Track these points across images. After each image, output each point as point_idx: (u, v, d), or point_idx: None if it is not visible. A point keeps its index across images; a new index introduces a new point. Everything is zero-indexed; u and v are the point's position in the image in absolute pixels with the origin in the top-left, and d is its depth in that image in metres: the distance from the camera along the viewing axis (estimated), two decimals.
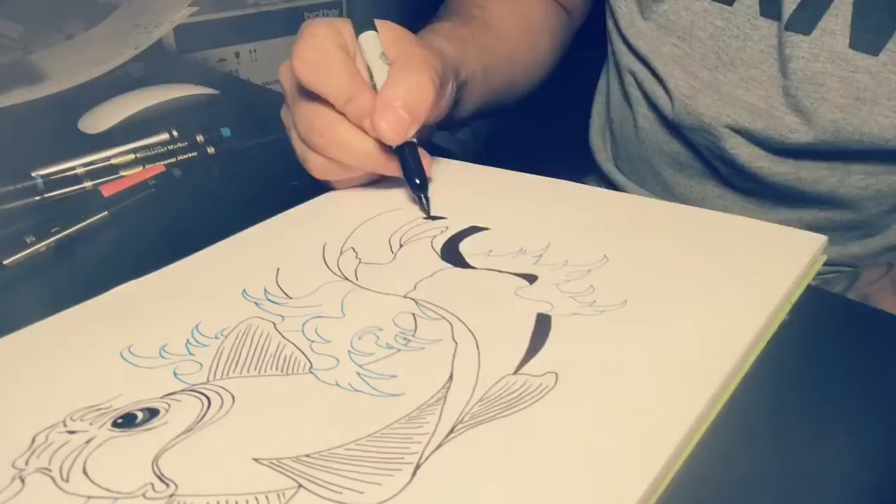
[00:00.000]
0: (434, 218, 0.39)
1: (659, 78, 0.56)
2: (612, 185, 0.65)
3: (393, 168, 0.40)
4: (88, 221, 0.42)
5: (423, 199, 0.40)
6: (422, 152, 0.40)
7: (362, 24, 0.42)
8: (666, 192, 0.60)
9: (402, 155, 0.40)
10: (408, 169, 0.40)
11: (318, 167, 0.41)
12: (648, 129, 0.59)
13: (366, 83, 0.40)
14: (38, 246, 0.39)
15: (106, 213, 0.43)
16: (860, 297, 0.45)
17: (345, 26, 0.42)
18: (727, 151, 0.52)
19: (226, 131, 0.53)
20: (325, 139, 0.40)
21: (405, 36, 0.43)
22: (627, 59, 0.58)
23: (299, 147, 0.42)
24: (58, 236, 0.40)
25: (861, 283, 0.46)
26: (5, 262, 0.38)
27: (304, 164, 0.42)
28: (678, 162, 0.58)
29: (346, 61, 0.39)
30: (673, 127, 0.56)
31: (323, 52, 0.39)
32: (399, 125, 0.38)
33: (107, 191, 0.47)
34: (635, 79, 0.58)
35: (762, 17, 0.50)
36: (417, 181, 0.39)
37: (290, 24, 0.70)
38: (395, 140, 0.39)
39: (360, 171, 0.41)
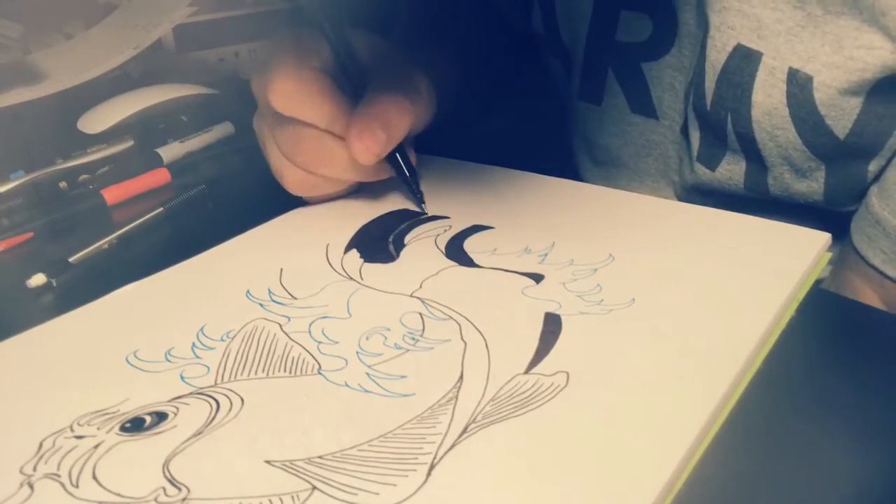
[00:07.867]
0: (437, 217, 0.39)
1: None
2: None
3: (384, 172, 0.40)
4: (145, 217, 0.43)
5: (419, 200, 0.40)
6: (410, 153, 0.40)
7: (337, 35, 0.39)
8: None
9: (394, 160, 0.39)
10: (401, 173, 0.40)
11: (296, 182, 0.40)
12: None
13: (346, 101, 0.38)
14: (101, 243, 0.41)
15: (161, 209, 0.44)
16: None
17: (313, 41, 0.39)
18: None
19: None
20: (311, 156, 0.39)
21: (381, 47, 0.41)
22: None
23: (277, 162, 0.40)
24: (118, 233, 0.42)
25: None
26: (71, 260, 0.39)
27: (279, 178, 0.40)
28: None
29: (322, 83, 0.38)
30: None
31: (297, 81, 0.37)
32: (375, 146, 0.37)
33: (111, 197, 0.47)
34: None
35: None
36: (413, 185, 0.39)
37: (290, 23, 0.70)
38: (371, 160, 0.37)
39: (344, 184, 0.41)
